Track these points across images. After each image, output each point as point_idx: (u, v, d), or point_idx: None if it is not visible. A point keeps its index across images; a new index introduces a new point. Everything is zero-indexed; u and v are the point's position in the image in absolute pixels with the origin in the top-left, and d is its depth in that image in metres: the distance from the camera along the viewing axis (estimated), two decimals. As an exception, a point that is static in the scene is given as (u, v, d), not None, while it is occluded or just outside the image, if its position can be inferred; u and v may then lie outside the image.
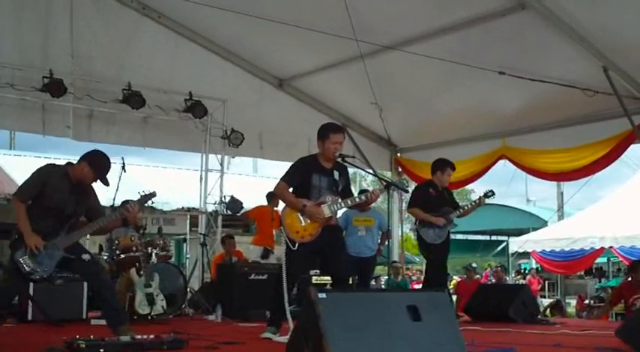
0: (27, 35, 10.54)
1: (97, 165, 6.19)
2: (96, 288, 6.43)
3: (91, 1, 10.97)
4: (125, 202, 6.70)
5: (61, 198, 6.08)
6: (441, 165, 9.22)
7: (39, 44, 10.62)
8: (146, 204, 6.64)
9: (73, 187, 6.14)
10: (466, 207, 9.16)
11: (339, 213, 10.94)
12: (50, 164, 6.43)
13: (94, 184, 6.28)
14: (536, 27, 9.25)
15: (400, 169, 14.08)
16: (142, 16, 11.40)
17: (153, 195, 6.44)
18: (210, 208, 11.96)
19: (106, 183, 6.28)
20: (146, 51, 11.49)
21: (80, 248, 6.31)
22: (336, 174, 6.85)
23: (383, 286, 17.76)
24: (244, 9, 9.89)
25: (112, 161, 6.36)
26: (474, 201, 9.22)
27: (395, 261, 14.10)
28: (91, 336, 5.45)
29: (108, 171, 6.26)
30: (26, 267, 5.89)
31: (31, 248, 5.85)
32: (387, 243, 10.58)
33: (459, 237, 37.78)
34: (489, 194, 9.18)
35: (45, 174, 6.17)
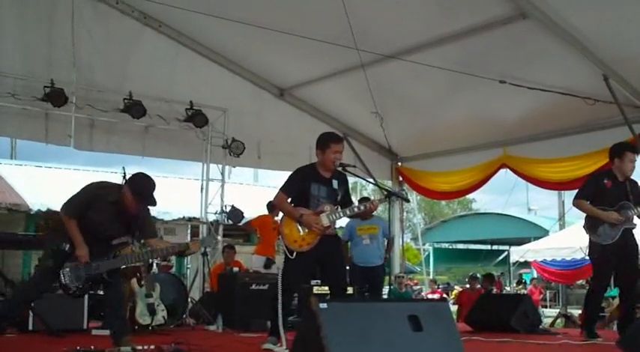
0: (29, 45, 10.56)
1: (141, 192, 6.23)
2: (109, 296, 6.49)
3: (93, 11, 10.98)
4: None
5: (103, 223, 6.19)
6: (618, 151, 7.74)
7: (41, 54, 10.64)
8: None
9: (120, 212, 6.22)
10: None
11: (343, 223, 10.97)
12: (99, 185, 6.42)
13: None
14: (537, 36, 9.25)
15: (401, 178, 14.06)
16: (143, 25, 11.38)
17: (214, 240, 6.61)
18: (211, 218, 11.95)
19: (152, 203, 6.33)
20: (147, 60, 11.49)
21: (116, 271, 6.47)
22: (335, 183, 6.85)
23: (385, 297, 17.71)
24: (245, 18, 9.89)
25: (154, 183, 6.38)
26: None
27: (400, 273, 14.11)
28: (92, 347, 5.45)
29: (149, 193, 6.27)
30: (64, 280, 6.13)
31: (80, 258, 6.08)
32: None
33: (460, 246, 37.90)
34: None
35: (93, 195, 6.25)
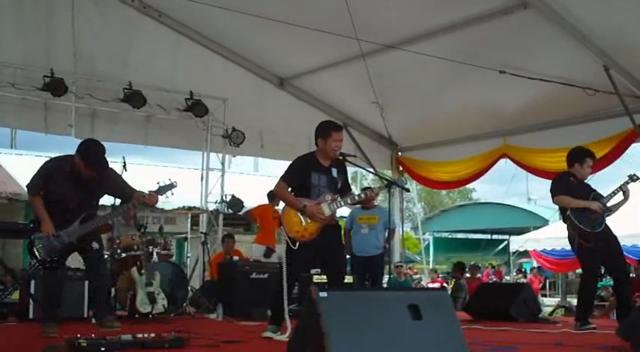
0: (28, 35, 10.57)
1: (87, 157, 6.56)
2: (91, 277, 6.92)
3: (92, 1, 10.98)
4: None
5: (66, 195, 6.53)
6: (578, 157, 8.03)
7: (40, 43, 10.65)
8: (165, 195, 6.91)
9: (78, 181, 6.55)
10: (613, 193, 7.87)
11: (346, 212, 10.96)
12: (55, 159, 6.78)
13: None
14: (538, 25, 9.25)
15: (401, 168, 14.07)
16: (143, 14, 11.40)
17: (173, 185, 6.75)
18: (212, 207, 11.97)
19: (102, 166, 6.64)
20: (147, 50, 11.49)
21: (94, 237, 6.82)
22: (334, 171, 6.84)
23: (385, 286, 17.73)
24: (245, 8, 9.89)
25: (102, 147, 6.71)
26: (619, 187, 7.89)
27: (399, 262, 14.11)
28: (92, 335, 5.47)
29: (97, 157, 6.58)
30: (39, 255, 6.54)
31: (46, 232, 6.44)
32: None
33: (460, 236, 37.95)
34: (635, 178, 7.97)
35: (49, 170, 6.63)
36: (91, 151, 6.62)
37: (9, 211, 16.12)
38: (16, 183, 16.15)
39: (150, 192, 6.83)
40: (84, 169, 6.56)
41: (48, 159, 6.89)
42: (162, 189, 6.84)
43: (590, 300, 8.16)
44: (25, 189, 6.79)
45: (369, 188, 7.34)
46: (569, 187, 7.84)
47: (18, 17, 10.49)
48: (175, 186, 6.86)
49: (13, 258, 14.09)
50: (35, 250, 6.55)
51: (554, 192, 7.91)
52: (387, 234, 10.58)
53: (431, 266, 28.86)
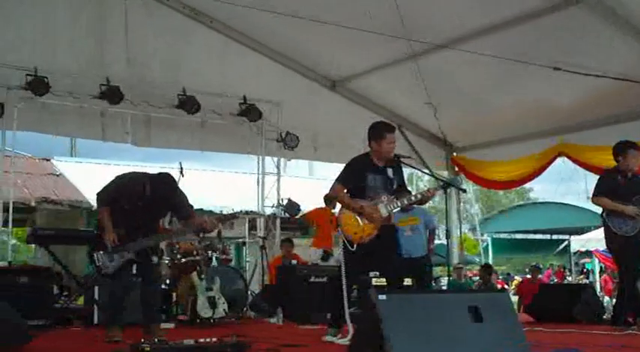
0: (83, 44, 10.77)
1: (158, 188, 6.78)
2: (143, 288, 6.95)
3: (144, 9, 11.14)
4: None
5: (131, 211, 6.71)
6: (621, 149, 7.90)
7: (95, 53, 10.84)
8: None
9: (146, 201, 6.73)
10: None
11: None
12: (131, 177, 6.98)
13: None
14: (591, 21, 9.11)
15: (457, 168, 13.97)
16: (194, 21, 11.52)
17: (235, 216, 6.93)
18: (268, 211, 12.02)
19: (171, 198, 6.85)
20: (199, 56, 11.61)
21: (153, 251, 7.04)
22: (389, 171, 6.80)
23: (444, 288, 17.59)
24: (295, 11, 9.92)
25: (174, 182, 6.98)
26: None
27: (459, 264, 14.02)
28: (155, 339, 5.54)
29: (166, 193, 6.80)
30: (98, 262, 6.69)
31: (109, 241, 6.62)
32: (443, 242, 10.44)
33: (519, 236, 37.43)
34: None
35: (122, 187, 6.84)
36: (167, 185, 6.82)
37: (70, 218, 16.43)
38: (77, 191, 16.46)
39: (212, 219, 7.09)
40: (154, 197, 6.73)
41: (123, 174, 7.08)
42: (225, 218, 7.03)
43: (629, 301, 7.98)
44: (95, 197, 7.01)
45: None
46: (611, 187, 7.76)
47: (72, 28, 10.69)
48: (237, 217, 7.09)
49: (76, 265, 14.32)
50: (95, 257, 6.70)
51: (594, 191, 7.92)
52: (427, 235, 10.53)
53: (492, 269, 28.49)
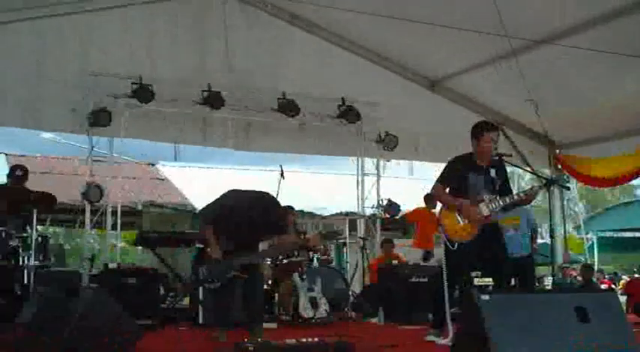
0: (185, 52, 11.07)
1: (264, 212, 6.79)
2: (246, 290, 6.97)
3: (243, 16, 11.36)
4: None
5: (235, 229, 6.73)
6: None
7: (196, 60, 11.12)
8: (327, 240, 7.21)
9: (251, 222, 6.74)
10: None
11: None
12: (235, 196, 6.95)
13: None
14: None
15: (560, 166, 13.65)
16: (292, 25, 11.67)
17: (338, 234, 6.94)
18: (368, 212, 12.02)
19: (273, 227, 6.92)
20: (298, 60, 11.74)
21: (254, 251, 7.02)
22: (492, 171, 6.72)
23: (548, 287, 17.21)
24: (392, 12, 9.90)
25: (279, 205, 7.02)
26: None
27: (565, 264, 13.72)
28: (258, 339, 5.63)
29: (272, 217, 6.82)
30: (201, 275, 6.78)
31: (214, 256, 6.69)
32: (547, 241, 10.23)
33: (626, 234, 36.33)
34: None
35: (225, 207, 6.82)
36: (273, 210, 6.85)
37: (176, 221, 16.83)
38: (181, 194, 16.85)
39: (316, 237, 7.20)
40: (260, 220, 6.74)
41: (227, 194, 6.99)
42: (328, 236, 7.11)
43: None
44: (199, 215, 7.13)
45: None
46: None
47: (173, 36, 11.01)
48: (341, 234, 7.12)
49: (181, 266, 14.67)
50: (200, 271, 6.80)
51: None
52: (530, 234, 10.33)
53: (596, 267, 27.79)
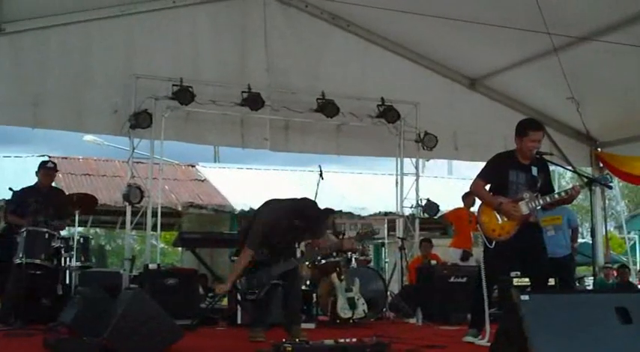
0: (225, 53, 11.13)
1: (307, 218, 6.81)
2: (285, 290, 6.99)
3: (283, 16, 11.40)
4: None
5: (278, 240, 6.80)
6: None
7: (236, 61, 11.18)
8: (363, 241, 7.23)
9: (295, 231, 6.85)
10: None
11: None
12: (283, 211, 6.89)
13: None
14: None
15: (601, 165, 13.48)
16: (332, 25, 11.69)
17: (374, 232, 6.97)
18: (407, 212, 11.98)
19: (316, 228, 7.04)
20: (337, 59, 11.75)
21: (292, 252, 7.12)
22: (534, 170, 6.66)
23: (589, 287, 17.01)
24: (431, 11, 9.86)
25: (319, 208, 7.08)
26: None
27: (608, 263, 13.56)
28: (297, 339, 5.64)
29: (315, 222, 6.92)
30: (240, 287, 6.88)
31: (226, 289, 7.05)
32: (588, 240, 10.13)
33: None
34: None
35: (269, 225, 6.79)
36: (315, 215, 6.90)
37: (215, 222, 16.96)
38: (221, 196, 16.96)
39: (352, 240, 7.31)
40: (303, 225, 6.79)
41: (266, 212, 6.94)
42: (362, 237, 7.11)
43: None
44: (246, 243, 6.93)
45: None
46: None
47: (214, 38, 11.09)
48: (377, 233, 7.12)
49: (220, 266, 14.77)
50: (237, 283, 6.81)
51: None
52: (571, 233, 10.23)
53: (638, 268, 27.40)
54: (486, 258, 6.56)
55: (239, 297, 8.28)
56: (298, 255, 7.47)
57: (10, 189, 9.02)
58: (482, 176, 6.77)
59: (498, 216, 6.53)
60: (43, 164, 9.25)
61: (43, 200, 8.63)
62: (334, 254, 9.34)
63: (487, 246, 6.51)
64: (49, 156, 17.03)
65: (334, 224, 10.45)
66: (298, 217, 6.73)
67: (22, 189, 9.04)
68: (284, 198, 7.08)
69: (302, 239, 7.27)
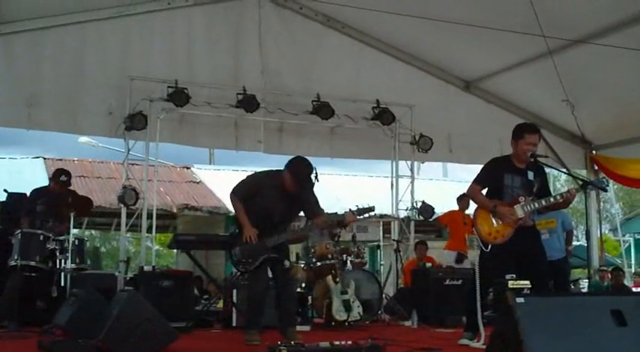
0: (220, 55, 11.11)
1: (297, 173, 6.80)
2: (278, 291, 7.05)
3: (278, 18, 11.40)
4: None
5: (270, 207, 6.83)
6: None
7: (231, 63, 11.16)
8: (363, 216, 7.20)
9: (283, 195, 6.82)
10: None
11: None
12: (265, 173, 7.15)
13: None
14: None
15: (596, 167, 13.50)
16: (327, 27, 11.68)
17: (371, 209, 6.96)
18: (402, 214, 11.98)
19: (310, 184, 6.89)
20: (332, 61, 11.74)
21: (285, 253, 7.08)
22: (530, 174, 6.67)
23: (584, 290, 17.04)
24: (426, 13, 9.87)
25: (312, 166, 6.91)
26: None
27: (603, 266, 13.57)
28: (292, 342, 5.64)
29: (305, 174, 6.82)
30: (235, 257, 6.86)
31: (247, 237, 6.71)
32: (583, 243, 10.15)
33: None
34: None
35: (259, 182, 7.00)
36: (301, 169, 6.83)
37: (210, 224, 16.96)
38: (216, 198, 16.96)
39: (349, 211, 7.10)
40: (290, 184, 6.78)
41: (258, 171, 7.31)
42: (361, 211, 7.08)
43: None
44: (230, 193, 7.04)
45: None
46: None
47: (209, 39, 11.06)
48: (373, 210, 7.12)
49: (215, 268, 14.79)
50: (232, 253, 6.87)
51: None
52: (565, 236, 10.25)
53: (633, 270, 27.47)
54: (482, 261, 6.56)
55: (234, 295, 8.27)
56: (293, 257, 7.47)
57: (5, 190, 9.00)
58: (478, 180, 6.79)
59: (494, 220, 6.54)
60: (55, 175, 9.15)
61: (53, 202, 8.59)
62: (329, 256, 9.33)
63: (483, 249, 6.52)
64: (44, 158, 17.08)
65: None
66: (293, 173, 6.76)
67: (34, 190, 9.06)
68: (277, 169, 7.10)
69: (296, 206, 7.09)
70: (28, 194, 9.08)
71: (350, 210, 7.09)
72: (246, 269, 6.90)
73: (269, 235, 6.81)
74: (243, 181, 7.11)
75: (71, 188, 9.22)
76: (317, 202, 7.05)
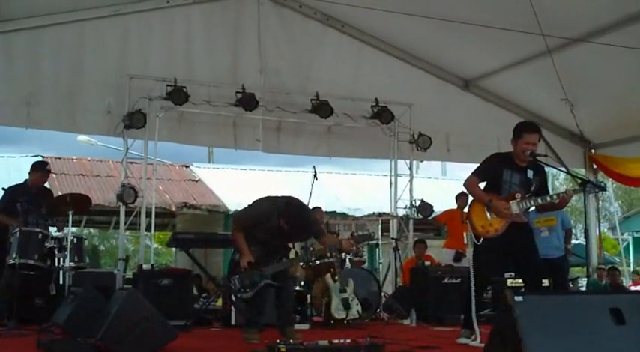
0: (219, 54, 11.10)
1: (288, 220, 6.74)
2: (278, 291, 7.03)
3: (277, 17, 11.39)
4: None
5: (270, 239, 6.87)
6: None
7: (230, 61, 11.16)
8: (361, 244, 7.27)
9: (281, 230, 6.79)
10: None
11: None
12: (268, 209, 6.93)
13: None
14: None
15: (595, 166, 13.50)
16: (326, 26, 11.68)
17: (371, 237, 7.09)
18: (401, 213, 11.98)
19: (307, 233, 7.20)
20: (331, 60, 11.73)
21: (284, 278, 7.05)
22: (529, 172, 6.69)
23: (582, 288, 17.05)
24: (426, 12, 9.87)
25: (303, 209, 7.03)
26: None
27: (601, 264, 13.59)
28: (291, 340, 5.64)
29: (300, 224, 6.85)
30: (234, 286, 6.87)
31: (243, 267, 6.73)
32: (582, 241, 10.16)
33: None
34: None
35: (260, 219, 6.90)
36: (293, 214, 6.80)
37: (209, 222, 16.94)
38: (215, 196, 16.95)
39: (350, 237, 7.21)
40: (286, 227, 6.75)
41: (260, 201, 7.10)
42: (360, 238, 7.12)
43: None
44: (232, 220, 7.20)
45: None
46: None
47: (208, 38, 11.06)
48: (372, 239, 7.23)
49: (214, 267, 14.77)
50: (231, 281, 6.86)
51: None
52: (564, 234, 10.26)
53: (631, 268, 27.48)
54: (475, 254, 6.60)
55: (233, 298, 8.27)
56: (292, 255, 7.46)
57: (3, 188, 9.00)
58: (477, 173, 6.81)
59: (488, 213, 6.56)
60: (41, 165, 9.23)
61: (34, 200, 8.64)
62: (328, 255, 9.34)
63: (475, 242, 6.54)
64: (43, 156, 17.04)
65: (328, 224, 10.46)
66: (286, 220, 6.73)
67: (11, 187, 9.03)
68: (278, 197, 7.08)
69: (294, 240, 7.25)
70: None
71: (351, 234, 7.16)
72: (243, 298, 6.94)
73: (267, 262, 6.84)
74: (247, 211, 7.15)
75: (70, 186, 9.22)
76: (318, 231, 7.18)
